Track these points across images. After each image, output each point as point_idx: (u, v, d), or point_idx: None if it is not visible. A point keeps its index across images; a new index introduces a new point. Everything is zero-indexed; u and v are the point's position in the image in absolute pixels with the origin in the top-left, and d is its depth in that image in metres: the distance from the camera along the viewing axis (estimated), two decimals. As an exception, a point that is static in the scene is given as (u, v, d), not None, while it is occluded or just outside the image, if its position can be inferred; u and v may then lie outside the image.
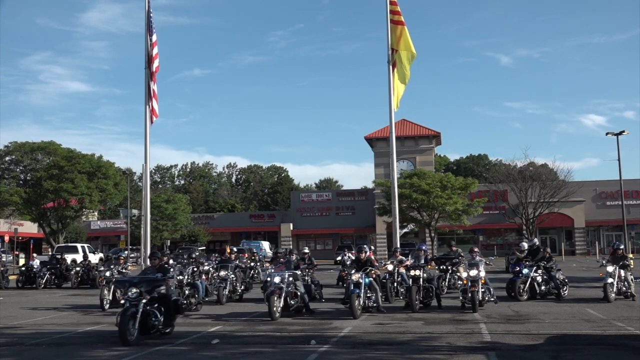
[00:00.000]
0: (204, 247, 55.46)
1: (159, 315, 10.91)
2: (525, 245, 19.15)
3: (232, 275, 18.03)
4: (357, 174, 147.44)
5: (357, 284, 13.77)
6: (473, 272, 14.74)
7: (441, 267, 19.99)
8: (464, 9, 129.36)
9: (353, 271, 14.20)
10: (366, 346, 10.16)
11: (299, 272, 14.88)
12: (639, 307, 14.93)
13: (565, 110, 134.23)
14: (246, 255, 29.47)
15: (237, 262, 19.30)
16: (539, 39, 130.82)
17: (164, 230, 56.36)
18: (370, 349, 9.87)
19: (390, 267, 17.58)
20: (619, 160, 38.26)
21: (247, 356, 9.51)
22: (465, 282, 15.06)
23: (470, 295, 14.44)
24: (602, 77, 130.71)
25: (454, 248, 21.48)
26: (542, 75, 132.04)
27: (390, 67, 22.37)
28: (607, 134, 38.37)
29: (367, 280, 14.03)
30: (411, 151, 59.09)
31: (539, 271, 17.03)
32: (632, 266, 18.01)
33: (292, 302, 14.04)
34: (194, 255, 17.42)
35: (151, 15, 23.89)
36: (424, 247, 16.65)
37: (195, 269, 16.22)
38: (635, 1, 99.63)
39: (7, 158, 46.01)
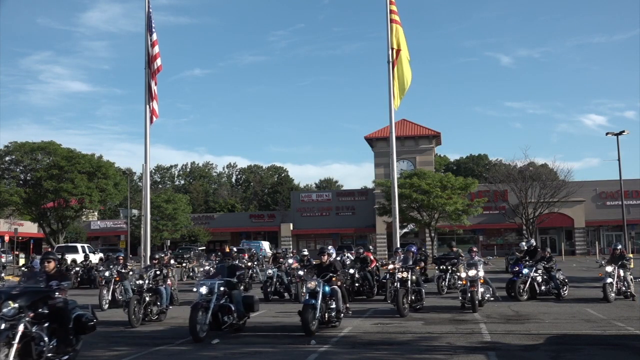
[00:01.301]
0: (204, 247, 55.50)
1: (45, 339, 8.00)
2: (524, 245, 19.18)
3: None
4: (357, 174, 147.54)
5: (313, 294, 11.59)
6: (472, 272, 14.68)
7: (441, 267, 19.94)
8: (464, 8, 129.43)
9: (312, 277, 12.17)
10: (366, 346, 10.17)
11: (235, 280, 12.21)
12: (639, 307, 14.93)
13: (566, 110, 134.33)
14: (246, 255, 29.48)
15: (235, 262, 19.14)
16: (540, 39, 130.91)
17: (164, 230, 56.36)
18: (370, 349, 9.87)
19: (391, 267, 17.22)
20: (619, 160, 38.27)
21: (247, 356, 9.51)
22: (464, 282, 14.93)
23: (469, 295, 14.36)
24: (602, 77, 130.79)
25: (454, 249, 21.46)
26: (542, 75, 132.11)
27: (390, 67, 22.38)
28: (607, 134, 38.38)
29: (326, 289, 11.84)
30: (411, 151, 59.08)
31: (539, 271, 17.03)
32: (631, 266, 18.03)
33: (225, 319, 11.49)
34: (157, 256, 15.25)
35: (151, 14, 23.89)
36: (412, 249, 15.89)
37: (158, 272, 14.23)
38: (636, 1, 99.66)
39: (7, 158, 45.99)
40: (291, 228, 63.01)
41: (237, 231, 65.50)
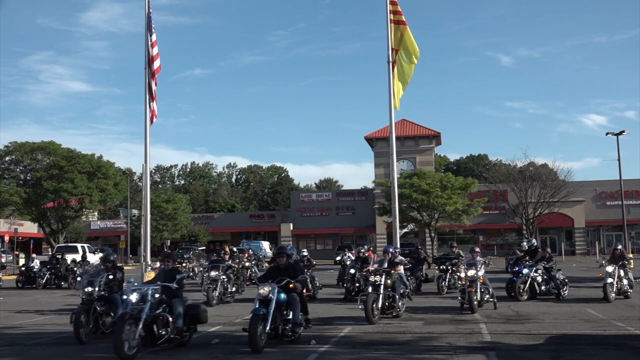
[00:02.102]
0: (204, 247, 55.51)
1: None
2: (525, 244, 19.15)
3: (223, 276, 17.28)
4: (357, 174, 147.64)
5: (265, 301, 9.76)
6: (471, 272, 14.50)
7: (441, 267, 19.87)
8: (465, 8, 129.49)
9: (266, 281, 10.28)
10: (366, 346, 10.16)
11: (175, 286, 10.23)
12: (639, 307, 14.93)
13: (566, 110, 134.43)
14: (245, 255, 29.46)
15: (229, 262, 18.62)
16: (540, 39, 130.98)
17: (164, 230, 56.38)
18: (370, 349, 9.87)
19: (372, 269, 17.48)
20: (619, 160, 38.33)
21: (247, 356, 9.51)
22: (464, 282, 14.78)
23: (467, 295, 14.19)
24: (603, 77, 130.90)
25: (454, 249, 21.42)
26: (543, 75, 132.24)
27: (390, 67, 22.36)
28: (607, 134, 38.42)
29: (282, 296, 9.97)
30: (411, 151, 59.08)
31: (539, 271, 17.00)
32: (631, 266, 18.02)
33: (162, 332, 9.65)
34: (111, 258, 12.37)
35: (151, 14, 23.88)
36: (390, 250, 14.96)
37: (111, 277, 11.77)
38: (636, 1, 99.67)
39: (7, 158, 46.01)
40: (291, 228, 63.01)
41: (237, 231, 65.51)
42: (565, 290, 17.27)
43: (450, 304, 15.88)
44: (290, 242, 60.24)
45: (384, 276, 13.22)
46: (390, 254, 14.60)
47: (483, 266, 15.19)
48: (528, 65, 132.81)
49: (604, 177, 77.16)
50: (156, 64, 23.21)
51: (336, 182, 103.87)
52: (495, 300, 15.03)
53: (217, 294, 16.77)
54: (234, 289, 17.92)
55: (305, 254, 21.25)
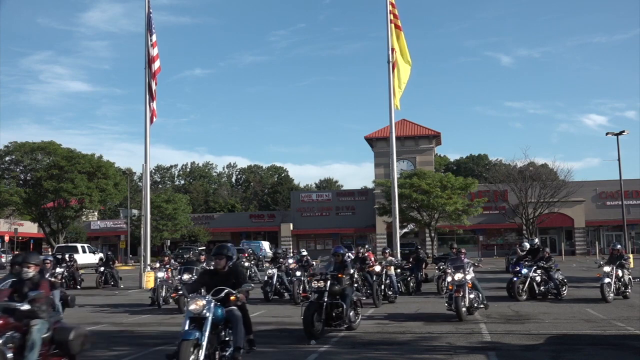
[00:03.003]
0: (204, 247, 55.47)
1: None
2: (527, 244, 19.11)
3: None
4: (357, 174, 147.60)
5: (198, 320, 7.40)
6: (458, 276, 13.41)
7: (441, 267, 19.61)
8: (465, 8, 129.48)
9: (198, 293, 7.88)
10: (366, 346, 10.16)
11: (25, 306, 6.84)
12: (639, 307, 14.93)
13: (567, 110, 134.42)
14: (245, 255, 29.47)
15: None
16: (540, 39, 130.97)
17: (164, 230, 56.36)
18: (370, 349, 9.87)
19: (377, 269, 16.97)
20: (619, 160, 38.31)
21: (246, 356, 9.51)
22: (450, 287, 13.56)
23: (454, 302, 13.05)
24: (603, 77, 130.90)
25: (454, 249, 21.19)
26: (543, 75, 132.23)
27: (390, 67, 22.42)
28: (607, 134, 38.42)
29: (219, 312, 7.59)
30: (411, 151, 59.08)
31: (538, 271, 16.96)
32: (631, 266, 18.01)
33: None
34: (33, 261, 9.20)
35: (151, 15, 23.91)
36: (341, 251, 12.84)
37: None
38: (636, 1, 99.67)
39: (7, 158, 46.04)
40: (291, 228, 63.00)
41: (237, 231, 65.48)
42: (564, 290, 17.25)
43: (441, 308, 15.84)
44: (290, 243, 60.27)
45: (328, 282, 11.31)
46: (340, 256, 12.48)
47: (471, 268, 14.19)
48: (528, 65, 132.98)
49: (604, 177, 77.23)
50: (156, 64, 23.25)
51: (336, 182, 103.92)
52: (486, 302, 14.08)
53: None
54: None
55: (305, 253, 21.20)
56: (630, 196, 54.96)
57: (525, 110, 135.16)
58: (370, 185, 66.03)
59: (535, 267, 16.97)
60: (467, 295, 13.20)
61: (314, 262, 21.31)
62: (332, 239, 61.63)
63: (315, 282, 11.52)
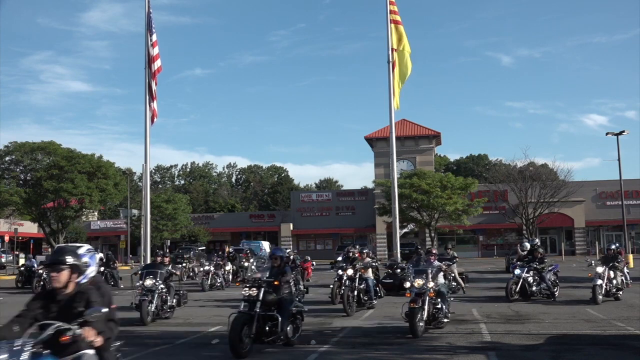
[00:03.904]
0: (204, 247, 55.49)
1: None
2: (527, 244, 19.08)
3: (162, 286, 14.04)
4: (357, 174, 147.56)
5: None
6: (418, 282, 11.21)
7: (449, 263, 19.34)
8: (465, 8, 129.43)
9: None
10: (366, 346, 10.16)
11: None
12: (639, 307, 14.93)
13: (567, 110, 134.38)
14: (245, 255, 29.46)
15: (169, 267, 15.19)
16: (540, 39, 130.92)
17: (164, 230, 56.36)
18: (371, 349, 9.87)
19: (350, 272, 15.09)
20: (619, 160, 38.31)
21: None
22: (407, 294, 11.39)
23: (409, 313, 10.84)
24: (603, 76, 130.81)
25: (449, 250, 20.94)
26: (543, 75, 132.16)
27: (390, 67, 22.42)
28: (607, 134, 38.43)
29: None
30: (411, 151, 59.08)
31: (531, 272, 16.83)
32: (631, 265, 17.94)
33: None
34: None
35: (151, 14, 23.89)
36: (279, 254, 10.73)
37: None
38: (636, 1, 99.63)
39: (7, 158, 45.99)
40: (291, 228, 63.00)
41: (237, 231, 65.48)
42: (557, 290, 17.09)
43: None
44: (290, 243, 60.26)
45: (262, 290, 9.59)
46: (278, 260, 10.47)
47: (440, 274, 12.14)
48: (528, 65, 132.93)
49: (604, 177, 77.24)
50: (157, 64, 23.23)
51: (336, 182, 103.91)
52: (449, 314, 11.98)
53: (152, 308, 13.53)
54: (174, 301, 14.53)
55: (289, 250, 20.51)
56: (630, 196, 54.96)
57: (525, 110, 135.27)
58: (370, 185, 66.07)
59: (527, 268, 16.84)
60: (426, 307, 10.99)
61: (314, 263, 21.00)
62: (332, 239, 61.64)
63: (247, 289, 9.65)
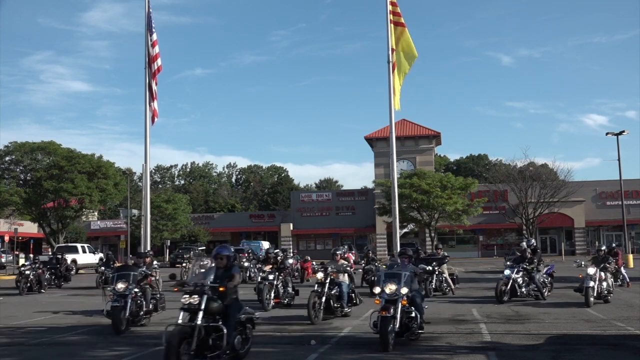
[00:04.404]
0: (204, 247, 55.50)
1: None
2: (525, 244, 19.04)
3: (136, 290, 12.61)
4: (357, 174, 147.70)
5: None
6: (390, 288, 9.85)
7: (427, 269, 18.28)
8: (465, 8, 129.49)
9: None
10: (366, 346, 10.15)
11: None
12: (639, 307, 14.93)
13: (567, 110, 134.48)
14: (245, 254, 29.44)
15: (144, 268, 13.60)
16: (540, 39, 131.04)
17: (164, 230, 56.37)
18: (370, 349, 9.86)
19: (320, 276, 13.44)
20: (619, 160, 38.36)
21: (246, 356, 9.51)
22: (377, 301, 10.11)
23: (379, 323, 9.53)
24: (603, 76, 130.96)
25: (440, 251, 20.31)
26: (543, 75, 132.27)
27: (390, 67, 22.40)
28: (607, 134, 38.47)
29: None
30: (411, 151, 59.09)
31: (521, 272, 16.64)
32: (630, 265, 17.88)
33: None
34: None
35: (151, 14, 23.88)
36: (225, 252, 8.89)
37: None
38: (636, 1, 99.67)
39: (7, 158, 46.02)
40: (291, 228, 63.02)
41: (237, 231, 65.52)
42: (546, 291, 16.91)
43: (438, 310, 15.84)
44: (290, 243, 60.27)
45: (205, 297, 8.15)
46: (224, 259, 8.76)
47: (414, 279, 10.62)
48: (528, 65, 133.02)
49: (604, 177, 77.28)
50: (157, 63, 23.21)
51: (336, 182, 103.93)
52: (425, 324, 10.53)
53: (126, 314, 12.06)
54: (150, 306, 13.09)
55: (267, 247, 20.00)
56: (630, 196, 54.98)
57: (525, 110, 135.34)
58: (370, 185, 66.09)
59: (517, 268, 16.65)
60: (398, 316, 9.65)
61: (310, 259, 20.40)
62: (332, 239, 61.67)
63: (186, 297, 8.20)
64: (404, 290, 9.86)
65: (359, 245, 56.07)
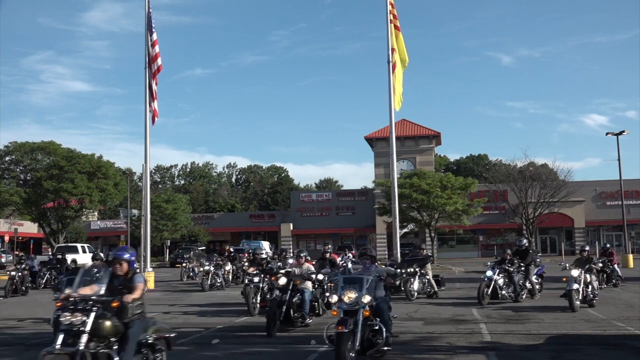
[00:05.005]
0: (204, 247, 55.51)
1: None
2: (525, 241, 18.96)
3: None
4: (357, 174, 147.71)
5: None
6: (350, 296, 8.19)
7: (408, 270, 17.50)
8: (465, 8, 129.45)
9: None
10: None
11: None
12: (639, 307, 14.94)
13: (567, 110, 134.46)
14: (245, 255, 29.41)
15: (100, 272, 9.61)
16: (540, 39, 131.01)
17: (164, 230, 56.36)
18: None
19: (282, 281, 12.22)
20: (619, 160, 38.34)
21: (247, 356, 9.52)
22: (333, 312, 8.60)
23: (335, 339, 7.85)
24: (603, 76, 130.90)
25: (423, 251, 19.40)
26: (543, 75, 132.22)
27: (391, 67, 22.42)
28: (607, 134, 38.46)
29: None
30: (411, 151, 59.09)
31: (502, 274, 16.26)
32: (631, 265, 17.83)
33: None
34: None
35: (151, 14, 23.90)
36: (125, 256, 7.19)
37: None
38: (636, 1, 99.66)
39: (7, 158, 46.05)
40: (291, 228, 63.02)
41: (237, 231, 65.51)
42: (523, 294, 16.48)
43: (420, 314, 15.82)
44: (290, 243, 60.26)
45: (92, 315, 6.41)
46: (124, 265, 7.16)
47: (379, 285, 8.78)
48: (529, 65, 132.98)
49: (604, 177, 77.28)
50: (157, 63, 23.24)
51: (336, 182, 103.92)
52: (392, 338, 8.74)
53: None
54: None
55: (267, 245, 19.21)
56: (630, 196, 54.96)
57: (525, 110, 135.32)
58: (370, 185, 66.10)
59: (498, 269, 16.27)
60: (359, 330, 8.00)
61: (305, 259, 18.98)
62: (332, 239, 61.63)
63: (67, 315, 6.40)
64: (366, 299, 8.19)
65: (359, 245, 56.18)
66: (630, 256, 34.92)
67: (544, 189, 48.62)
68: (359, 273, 8.85)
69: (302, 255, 13.40)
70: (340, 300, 8.30)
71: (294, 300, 11.84)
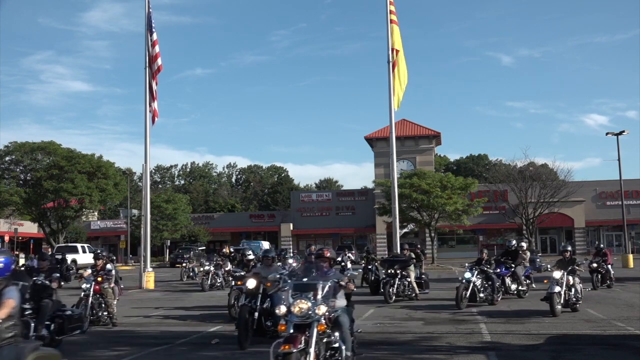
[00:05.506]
0: (204, 247, 55.51)
1: None
2: (524, 244, 18.91)
3: (26, 305, 8.95)
4: (357, 174, 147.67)
5: None
6: (301, 307, 6.49)
7: (389, 271, 17.03)
8: (465, 8, 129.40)
9: None
10: (366, 346, 10.14)
11: None
12: (639, 307, 14.93)
13: (567, 110, 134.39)
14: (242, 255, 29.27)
15: (42, 277, 10.69)
16: (541, 39, 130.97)
17: (164, 230, 56.37)
18: (371, 349, 9.85)
19: (251, 285, 10.68)
20: (619, 160, 38.32)
21: (247, 356, 9.51)
22: (281, 327, 6.67)
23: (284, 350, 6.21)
24: (603, 76, 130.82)
25: (406, 252, 18.63)
26: (543, 75, 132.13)
27: (391, 67, 22.44)
28: (607, 134, 38.44)
29: None
30: (411, 151, 59.11)
31: (480, 276, 15.85)
32: (631, 265, 17.80)
33: None
34: None
35: (151, 14, 23.91)
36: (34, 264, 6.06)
37: None
38: (636, 1, 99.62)
39: (7, 158, 46.08)
40: (291, 228, 63.03)
41: (237, 231, 65.52)
42: (499, 296, 16.13)
43: (400, 316, 15.83)
44: (290, 243, 60.27)
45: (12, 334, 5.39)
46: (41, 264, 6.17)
47: (339, 292, 7.16)
48: (529, 65, 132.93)
49: (604, 177, 77.25)
50: (157, 63, 23.24)
51: (336, 182, 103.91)
52: (357, 356, 7.39)
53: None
54: (45, 331, 9.51)
55: (267, 245, 18.81)
56: (630, 196, 54.97)
57: (525, 110, 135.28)
58: (370, 185, 66.11)
59: (477, 271, 15.87)
60: (312, 350, 6.31)
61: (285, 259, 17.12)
62: (332, 239, 61.66)
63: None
64: (322, 310, 6.53)
65: (359, 245, 56.18)
66: (631, 256, 34.91)
67: (544, 189, 48.64)
68: (312, 278, 6.99)
69: (269, 255, 11.88)
70: (288, 311, 6.56)
71: (264, 306, 10.45)
